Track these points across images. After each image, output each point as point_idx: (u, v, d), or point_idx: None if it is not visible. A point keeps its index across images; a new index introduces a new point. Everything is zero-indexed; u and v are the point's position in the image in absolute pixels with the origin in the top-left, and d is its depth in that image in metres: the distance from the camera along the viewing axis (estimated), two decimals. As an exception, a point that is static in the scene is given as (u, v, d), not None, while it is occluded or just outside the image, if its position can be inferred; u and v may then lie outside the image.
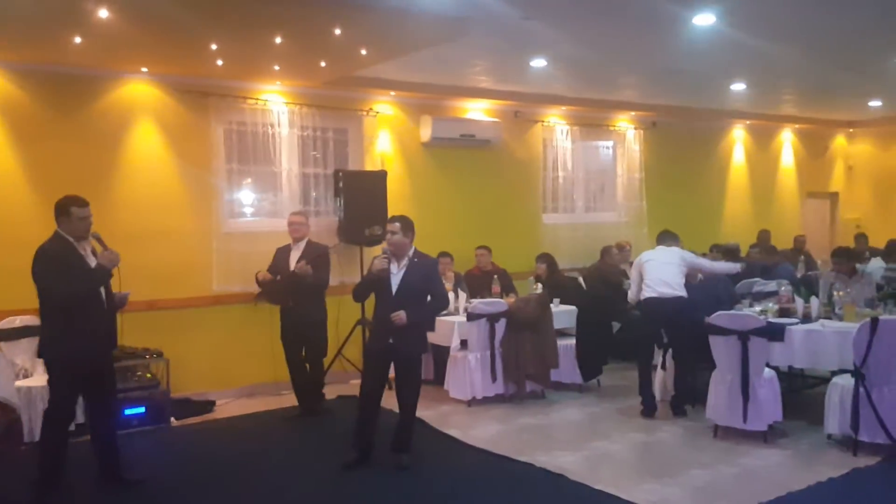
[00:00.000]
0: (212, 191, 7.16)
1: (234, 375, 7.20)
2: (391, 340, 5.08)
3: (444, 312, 5.96)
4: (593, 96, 9.19)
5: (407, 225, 5.17)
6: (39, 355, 4.76)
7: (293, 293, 6.28)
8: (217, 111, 7.15)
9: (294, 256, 6.39)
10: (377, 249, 6.17)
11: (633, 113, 10.07)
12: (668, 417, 6.22)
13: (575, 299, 7.48)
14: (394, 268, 5.10)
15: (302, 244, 6.44)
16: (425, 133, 8.34)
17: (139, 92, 6.84)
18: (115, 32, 5.40)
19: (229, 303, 7.17)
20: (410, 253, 5.18)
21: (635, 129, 10.13)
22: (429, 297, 5.23)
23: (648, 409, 6.29)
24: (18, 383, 5.83)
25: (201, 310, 7.06)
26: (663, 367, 6.59)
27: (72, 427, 4.78)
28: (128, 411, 6.07)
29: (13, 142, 6.29)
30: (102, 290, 4.65)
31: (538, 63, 7.29)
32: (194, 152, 7.08)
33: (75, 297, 4.48)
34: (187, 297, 6.99)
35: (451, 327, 6.75)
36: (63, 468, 4.60)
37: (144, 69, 6.71)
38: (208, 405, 6.77)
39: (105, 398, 4.83)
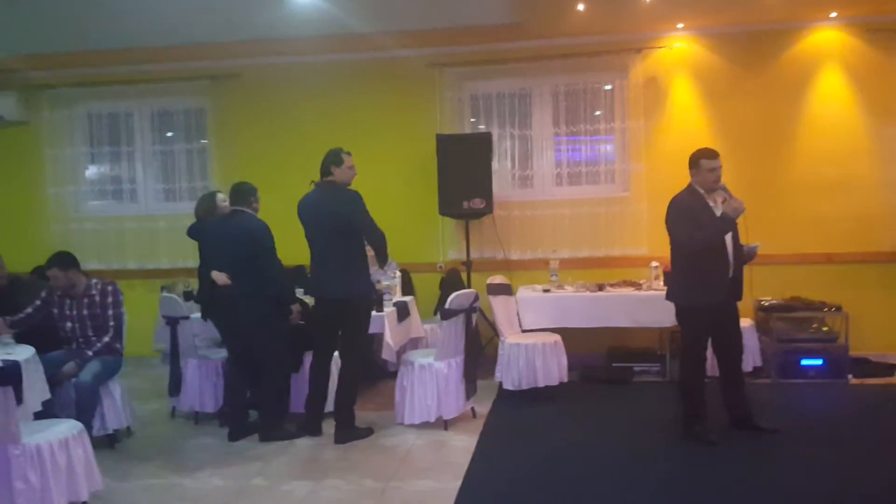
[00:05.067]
0: (899, 136, 6.56)
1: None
2: None
3: None
4: None
5: None
6: (667, 298, 4.92)
7: None
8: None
9: None
10: None
11: None
12: None
13: None
14: None
15: None
16: None
17: (824, 39, 6.65)
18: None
19: (916, 260, 6.53)
20: None
21: None
22: None
23: None
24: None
25: (884, 266, 6.60)
26: None
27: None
28: (804, 361, 6.14)
29: (704, 100, 6.85)
30: (730, 241, 4.68)
31: None
32: (880, 96, 6.58)
33: (698, 244, 4.60)
34: (868, 251, 6.62)
35: None
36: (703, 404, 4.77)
37: (833, 14, 6.48)
38: (889, 368, 6.32)
39: (731, 349, 4.86)
